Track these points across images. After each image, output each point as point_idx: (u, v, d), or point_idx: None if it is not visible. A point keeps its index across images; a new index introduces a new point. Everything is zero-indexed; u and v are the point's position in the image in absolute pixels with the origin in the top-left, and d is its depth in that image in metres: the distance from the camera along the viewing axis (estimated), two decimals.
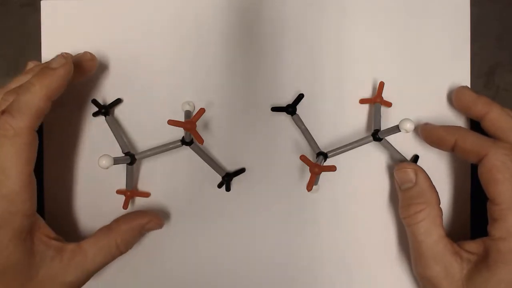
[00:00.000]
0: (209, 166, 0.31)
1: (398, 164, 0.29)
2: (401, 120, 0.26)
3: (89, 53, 0.30)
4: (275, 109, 0.31)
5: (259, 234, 0.31)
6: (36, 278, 0.26)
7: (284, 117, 0.31)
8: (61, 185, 0.32)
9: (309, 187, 0.27)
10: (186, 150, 0.31)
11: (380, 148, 0.31)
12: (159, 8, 0.32)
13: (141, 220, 0.29)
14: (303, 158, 0.27)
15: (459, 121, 0.31)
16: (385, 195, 0.31)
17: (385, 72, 0.31)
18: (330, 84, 0.31)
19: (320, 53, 0.31)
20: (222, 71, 0.32)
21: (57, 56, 0.27)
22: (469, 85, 0.31)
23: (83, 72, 0.30)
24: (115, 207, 0.31)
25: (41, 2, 0.32)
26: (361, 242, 0.31)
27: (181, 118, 0.31)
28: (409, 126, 0.25)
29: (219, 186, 0.31)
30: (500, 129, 0.27)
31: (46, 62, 0.28)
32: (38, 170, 0.32)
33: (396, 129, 0.26)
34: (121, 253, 0.29)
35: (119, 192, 0.31)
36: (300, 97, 0.31)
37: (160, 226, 0.31)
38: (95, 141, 0.32)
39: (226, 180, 0.31)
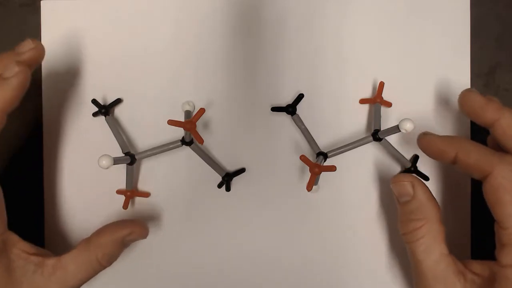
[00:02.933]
0: (209, 166, 0.31)
1: (394, 176, 0.27)
2: (401, 120, 0.26)
3: (31, 40, 0.26)
4: (275, 109, 0.31)
5: (259, 234, 0.31)
6: None
7: (284, 117, 0.31)
8: (60, 185, 0.32)
9: (309, 187, 0.27)
10: (186, 150, 0.31)
11: (380, 148, 0.31)
12: (159, 9, 0.32)
13: (121, 232, 0.28)
14: (303, 158, 0.27)
15: (460, 122, 0.31)
16: (385, 195, 0.31)
17: (385, 72, 0.31)
18: (330, 84, 0.31)
19: (320, 53, 0.31)
20: (222, 71, 0.32)
21: (10, 62, 0.24)
22: (469, 85, 0.31)
23: (31, 63, 0.25)
24: (115, 207, 0.31)
25: (41, 2, 0.32)
26: (362, 242, 0.31)
27: (181, 118, 0.31)
28: (409, 126, 0.25)
29: (219, 186, 0.31)
30: None
31: None
32: (38, 170, 0.32)
33: (396, 129, 0.26)
34: (103, 267, 0.27)
35: (119, 192, 0.31)
36: (300, 97, 0.31)
37: (143, 236, 0.29)
38: (95, 141, 0.32)
39: (226, 180, 0.31)
